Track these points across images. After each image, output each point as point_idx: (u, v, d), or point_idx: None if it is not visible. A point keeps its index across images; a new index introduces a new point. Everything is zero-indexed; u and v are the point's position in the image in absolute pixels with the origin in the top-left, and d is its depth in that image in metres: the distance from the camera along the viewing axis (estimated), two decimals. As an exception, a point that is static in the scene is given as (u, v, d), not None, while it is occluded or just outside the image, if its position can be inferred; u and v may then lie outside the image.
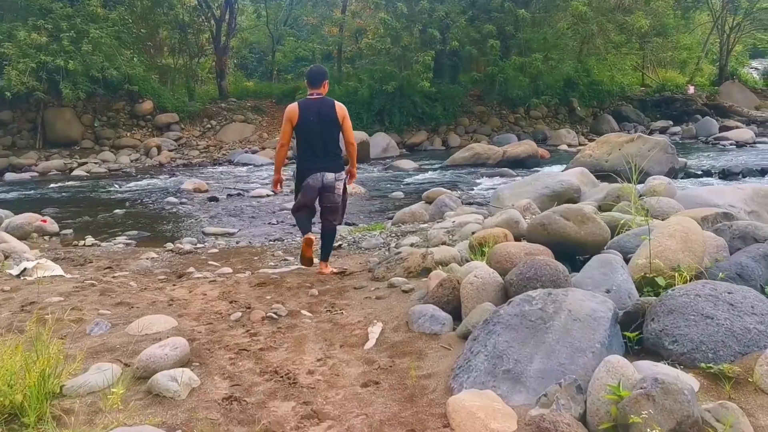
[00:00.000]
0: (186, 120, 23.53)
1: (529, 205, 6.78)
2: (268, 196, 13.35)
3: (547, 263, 3.53)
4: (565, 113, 26.52)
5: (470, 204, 9.31)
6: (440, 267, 4.80)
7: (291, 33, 32.76)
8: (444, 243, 5.89)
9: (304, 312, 4.48)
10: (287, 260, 6.96)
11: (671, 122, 25.98)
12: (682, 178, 13.56)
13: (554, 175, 7.81)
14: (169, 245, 8.13)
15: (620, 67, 28.12)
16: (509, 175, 15.24)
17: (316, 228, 6.00)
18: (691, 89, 28.70)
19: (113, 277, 5.94)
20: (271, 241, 8.80)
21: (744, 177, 13.33)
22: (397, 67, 22.79)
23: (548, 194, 7.60)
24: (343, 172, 5.59)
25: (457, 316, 3.91)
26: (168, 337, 3.70)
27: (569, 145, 22.16)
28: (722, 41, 31.30)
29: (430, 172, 16.61)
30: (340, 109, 5.44)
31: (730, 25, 30.86)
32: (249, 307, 4.58)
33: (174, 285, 5.40)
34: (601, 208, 5.93)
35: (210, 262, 6.98)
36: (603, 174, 13.47)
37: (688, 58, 29.51)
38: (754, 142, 20.81)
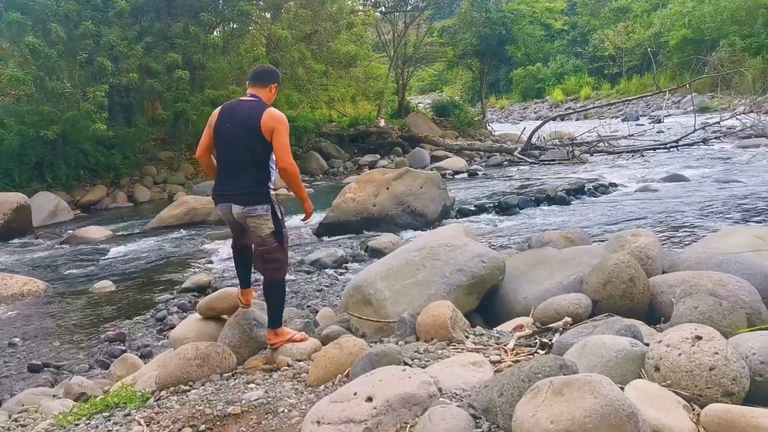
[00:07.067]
0: None
1: (454, 315, 3.42)
2: None
3: None
4: (263, 153, 23.70)
5: (293, 306, 5.30)
6: None
7: None
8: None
9: None
10: None
11: (378, 156, 24.74)
12: (456, 217, 11.42)
13: (459, 246, 4.32)
14: None
15: (314, 102, 26.34)
16: (245, 235, 11.62)
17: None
18: (382, 122, 28.36)
19: None
20: None
21: (521, 209, 11.65)
22: (58, 107, 17.52)
23: (465, 283, 4.13)
24: (261, 207, 3.87)
25: None
26: None
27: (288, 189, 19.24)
28: (397, 75, 31.80)
29: (133, 242, 11.86)
30: (270, 118, 3.83)
31: (402, 59, 31.46)
32: None
33: None
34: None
35: None
36: (374, 221, 10.82)
37: (384, 88, 28.93)
38: (468, 171, 20.30)
